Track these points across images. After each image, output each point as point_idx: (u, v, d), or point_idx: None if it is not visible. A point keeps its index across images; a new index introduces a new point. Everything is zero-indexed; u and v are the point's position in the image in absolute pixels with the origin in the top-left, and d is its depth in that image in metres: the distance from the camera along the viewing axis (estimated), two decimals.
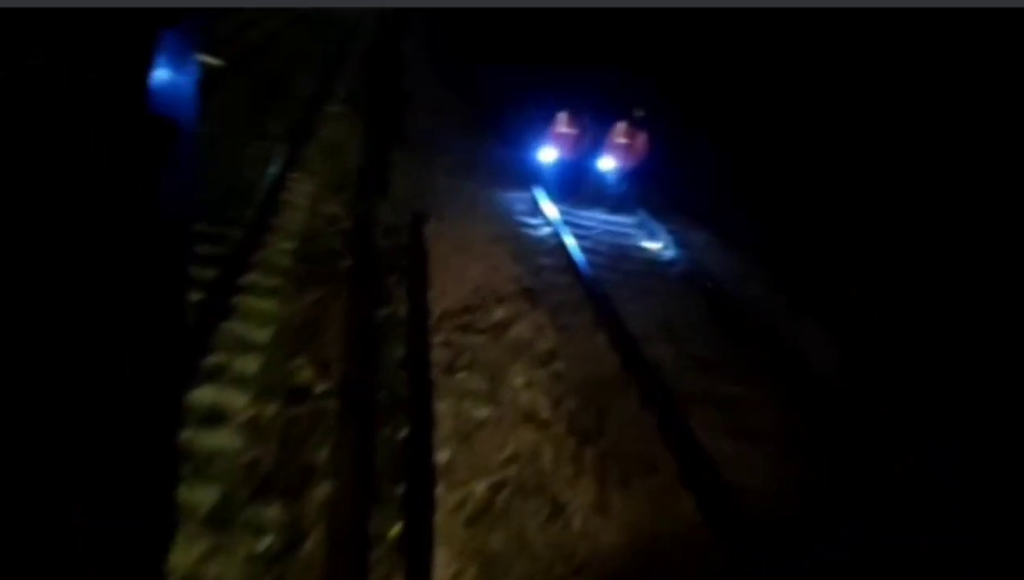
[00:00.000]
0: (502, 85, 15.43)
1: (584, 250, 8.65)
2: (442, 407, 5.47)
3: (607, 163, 10.40)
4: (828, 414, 6.44)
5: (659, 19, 13.81)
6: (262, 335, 5.42)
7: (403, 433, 5.13)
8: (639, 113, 9.82)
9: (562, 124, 10.04)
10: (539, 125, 10.28)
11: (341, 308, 6.25)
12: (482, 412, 5.38)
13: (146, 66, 1.05)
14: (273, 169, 8.73)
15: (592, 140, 10.07)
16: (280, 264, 6.51)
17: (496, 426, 5.21)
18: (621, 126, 10.13)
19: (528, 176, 11.01)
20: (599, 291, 7.47)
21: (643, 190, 10.40)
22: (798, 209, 10.65)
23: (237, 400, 4.74)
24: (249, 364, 5.10)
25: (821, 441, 6.06)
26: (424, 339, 6.40)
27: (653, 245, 9.45)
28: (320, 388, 5.21)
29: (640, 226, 10.02)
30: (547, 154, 10.39)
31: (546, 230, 9.21)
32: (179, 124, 1.15)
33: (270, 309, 5.78)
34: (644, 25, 14.03)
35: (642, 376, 5.87)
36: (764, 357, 7.15)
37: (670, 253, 9.15)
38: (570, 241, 8.60)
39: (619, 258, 8.89)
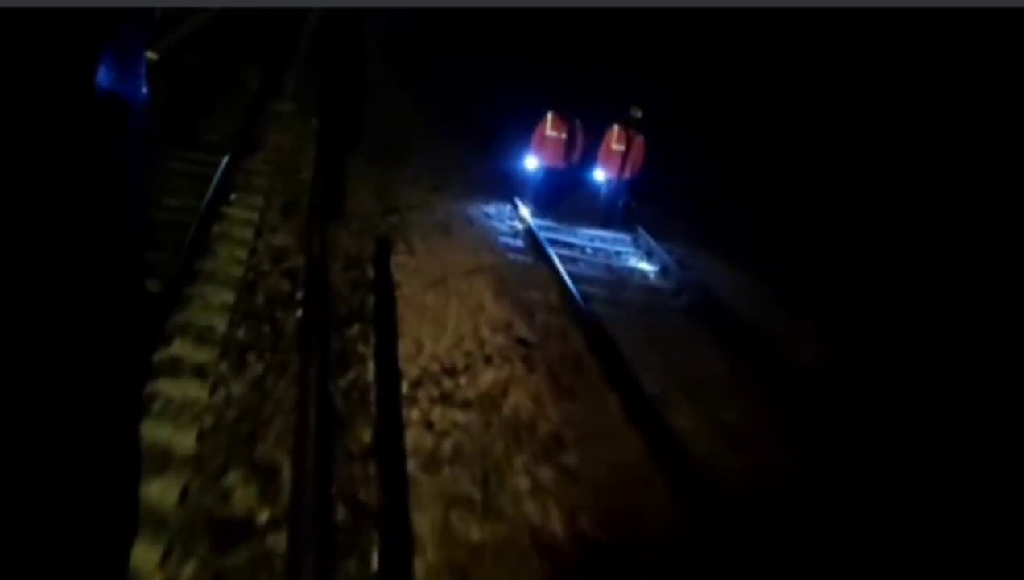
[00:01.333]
0: (478, 81, 14.10)
1: (580, 280, 7.45)
2: (423, 524, 4.24)
3: (601, 174, 9.27)
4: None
5: (659, 10, 12.62)
6: (184, 443, 4.11)
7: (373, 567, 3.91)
8: (637, 114, 8.62)
9: (549, 127, 8.80)
10: (522, 128, 9.02)
11: (290, 385, 4.96)
12: (476, 533, 4.17)
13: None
14: (207, 191, 7.35)
15: (583, 146, 8.85)
16: (210, 328, 5.16)
17: (497, 557, 4.01)
18: (617, 130, 8.94)
19: (510, 187, 9.76)
20: (603, 338, 6.29)
21: (640, 201, 9.23)
22: (811, 222, 9.63)
23: (147, 558, 3.44)
24: (165, 492, 3.79)
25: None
26: (396, 417, 5.16)
27: (655, 271, 8.29)
28: (263, 516, 3.94)
29: (639, 247, 8.83)
30: (531, 162, 9.17)
31: (534, 255, 7.99)
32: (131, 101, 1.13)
33: (195, 399, 4.46)
34: (642, 16, 12.83)
35: (675, 469, 4.70)
36: (795, 417, 6.07)
37: (675, 280, 7.98)
38: (563, 270, 7.39)
39: (619, 288, 7.71)
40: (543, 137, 9.01)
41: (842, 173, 11.50)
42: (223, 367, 4.76)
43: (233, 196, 7.69)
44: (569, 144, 8.89)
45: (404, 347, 5.95)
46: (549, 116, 9.02)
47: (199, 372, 4.61)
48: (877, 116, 11.80)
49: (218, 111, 10.37)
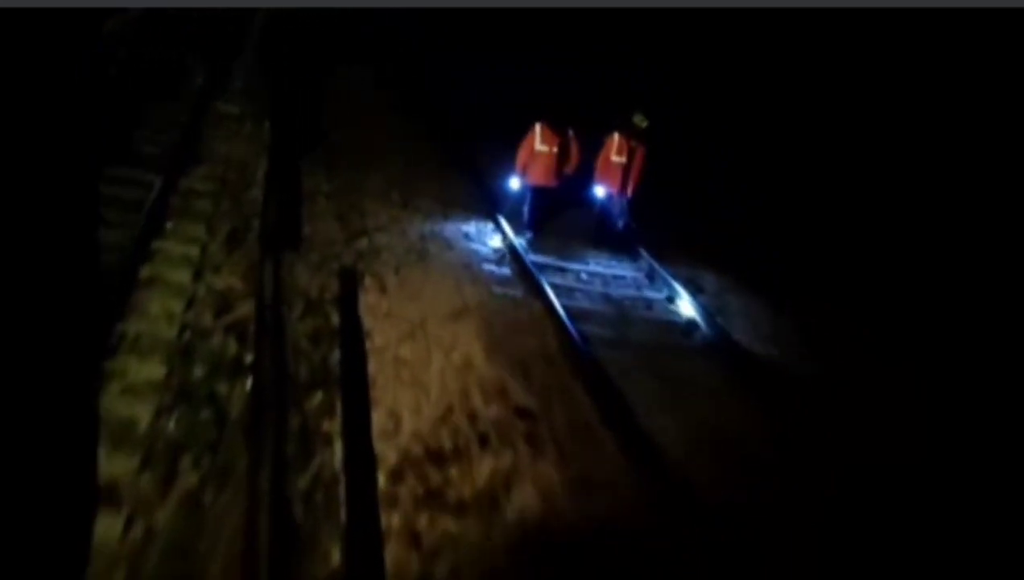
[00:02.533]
0: (456, 81, 12.94)
1: (579, 317, 6.45)
2: None
3: (600, 189, 8.17)
4: None
5: (663, 9, 11.61)
6: None
7: None
8: (641, 121, 7.60)
9: (538, 141, 7.72)
10: (506, 136, 7.92)
11: (235, 497, 3.88)
12: None
13: None
14: (136, 220, 6.16)
15: (578, 158, 7.79)
16: (130, 423, 4.03)
17: None
18: (618, 139, 7.91)
19: (494, 205, 8.69)
20: (616, 398, 5.31)
21: (636, 218, 8.23)
22: (818, 228, 8.77)
23: None
24: None
25: None
26: (372, 529, 4.13)
27: (660, 299, 7.29)
28: None
29: (642, 272, 7.85)
30: (516, 182, 8.01)
31: (524, 287, 6.96)
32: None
33: (106, 536, 3.36)
34: (643, 13, 11.81)
35: None
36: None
37: (686, 311, 7.02)
38: (560, 307, 6.38)
39: (624, 323, 6.72)
40: (532, 153, 7.78)
41: (849, 174, 10.83)
42: (144, 483, 3.65)
43: (169, 224, 6.51)
44: (561, 159, 7.75)
45: (379, 420, 4.89)
46: (537, 128, 7.76)
47: (109, 497, 3.49)
48: (877, 115, 11.23)
49: (155, 115, 9.10)
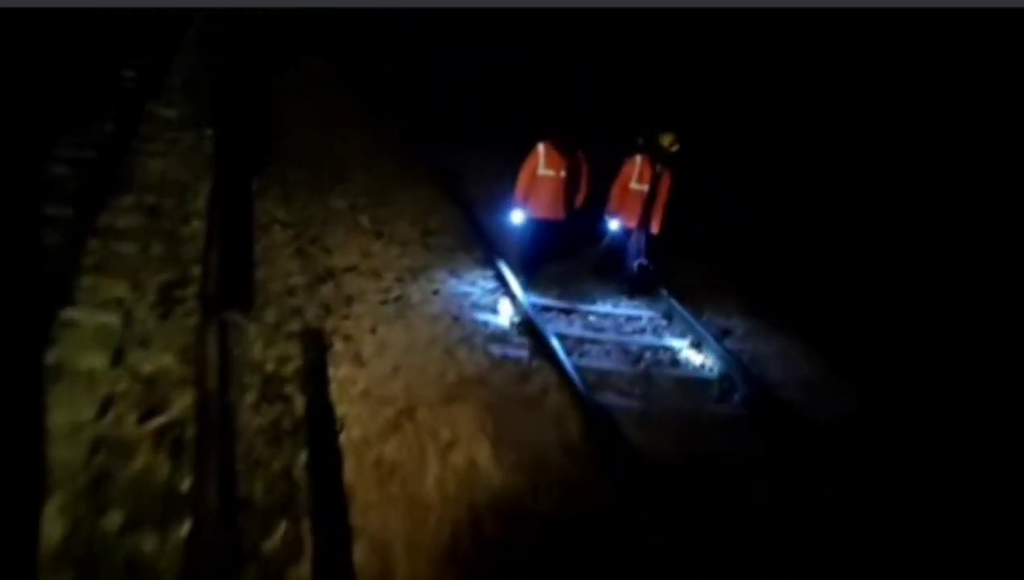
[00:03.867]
0: (444, 83, 11.59)
1: (598, 384, 5.35)
2: None
3: (616, 223, 6.85)
4: None
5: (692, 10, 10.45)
6: None
7: None
8: (672, 145, 6.32)
9: (542, 164, 6.41)
10: (503, 156, 6.65)
11: None
12: None
13: None
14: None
15: (590, 187, 6.57)
16: None
17: None
18: (640, 163, 6.58)
19: (489, 239, 7.45)
20: (665, 509, 4.24)
21: (657, 254, 7.07)
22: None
23: None
24: None
25: None
26: None
27: (687, 348, 6.19)
28: None
29: (659, 310, 6.74)
30: (518, 215, 6.66)
31: (530, 346, 5.78)
32: None
33: None
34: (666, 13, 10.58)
35: None
36: None
37: (716, 365, 5.89)
38: (576, 377, 5.23)
39: (652, 387, 5.60)
40: (534, 178, 6.45)
41: (848, 173, 10.03)
42: None
43: (82, 282, 5.20)
44: (570, 186, 6.46)
45: (363, 559, 3.76)
46: (541, 149, 6.43)
47: None
48: (877, 115, 10.56)
49: (72, 123, 7.67)
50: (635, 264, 6.53)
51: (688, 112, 10.20)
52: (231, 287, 5.59)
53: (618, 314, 6.63)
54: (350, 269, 6.36)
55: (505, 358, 5.50)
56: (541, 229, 6.49)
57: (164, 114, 8.74)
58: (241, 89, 10.04)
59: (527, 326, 5.93)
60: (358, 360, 5.20)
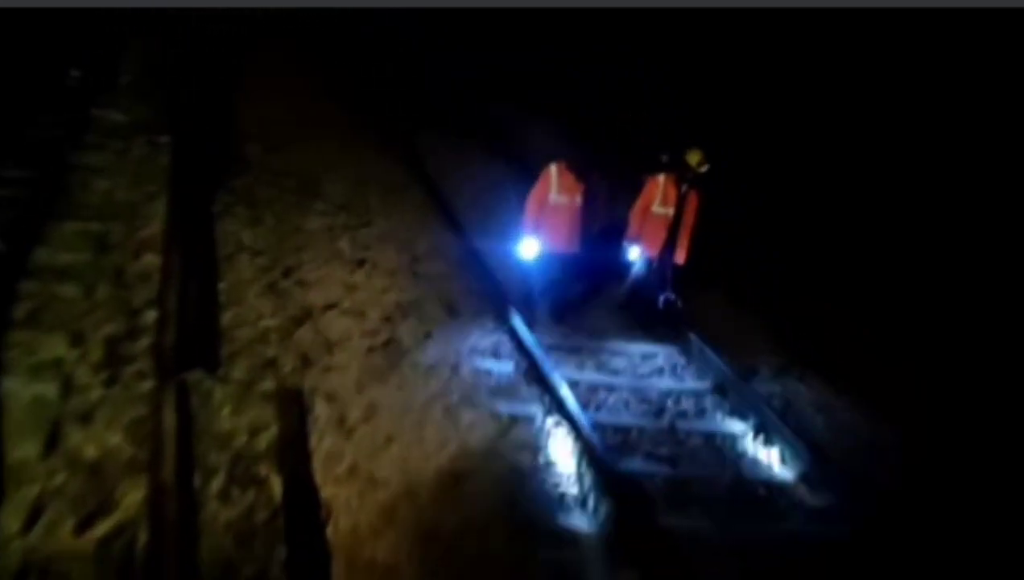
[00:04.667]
0: (440, 88, 10.72)
1: (621, 446, 4.70)
2: None
3: (636, 252, 6.05)
4: None
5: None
6: None
7: None
8: (700, 163, 5.60)
9: (555, 189, 5.63)
10: (510, 180, 5.84)
11: None
12: None
13: None
14: None
15: (607, 211, 5.81)
16: None
17: None
18: (663, 183, 5.83)
19: (486, 264, 6.67)
20: None
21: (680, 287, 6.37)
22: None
23: None
24: None
25: None
26: None
27: (710, 393, 5.47)
28: None
29: (690, 361, 5.94)
30: (529, 247, 5.82)
31: (540, 403, 5.04)
32: None
33: None
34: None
35: None
36: None
37: (748, 413, 5.28)
38: (596, 440, 4.57)
39: (680, 447, 4.89)
40: (544, 203, 5.66)
41: (848, 173, 9.64)
42: None
43: (15, 337, 4.38)
44: (587, 214, 5.70)
45: None
46: (553, 172, 5.65)
47: None
48: (876, 115, 10.26)
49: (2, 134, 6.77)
50: (660, 299, 5.82)
51: (687, 112, 9.64)
52: (192, 337, 4.82)
53: (632, 350, 5.95)
54: (331, 307, 5.59)
55: (514, 418, 4.81)
56: (555, 263, 5.76)
57: (113, 119, 7.83)
58: (202, 88, 9.13)
59: (539, 381, 5.23)
60: (344, 427, 4.47)
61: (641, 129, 6.88)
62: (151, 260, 5.46)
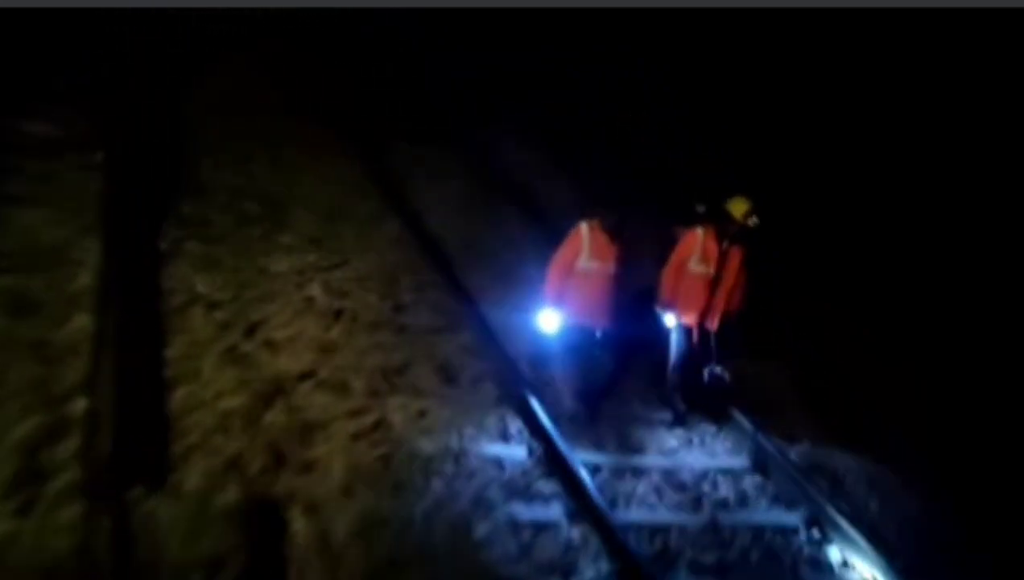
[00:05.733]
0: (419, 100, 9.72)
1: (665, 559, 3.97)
2: None
3: (672, 318, 5.11)
4: None
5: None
6: None
7: None
8: (748, 215, 4.78)
9: (586, 254, 4.71)
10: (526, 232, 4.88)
11: None
12: None
13: None
14: None
15: (639, 273, 4.97)
16: None
17: None
18: (701, 237, 4.95)
19: (490, 335, 5.64)
20: None
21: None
22: None
23: None
24: None
25: None
26: None
27: (803, 525, 4.48)
28: None
29: (747, 455, 5.07)
30: (551, 319, 4.89)
31: (565, 509, 4.27)
32: None
33: None
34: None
35: None
36: None
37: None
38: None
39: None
40: (571, 269, 4.79)
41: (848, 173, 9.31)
42: None
43: None
44: (622, 281, 4.80)
45: None
46: (584, 232, 4.74)
47: None
48: (876, 115, 10.01)
49: None
50: (705, 373, 5.00)
51: (687, 112, 9.09)
52: (133, 433, 3.91)
53: (693, 464, 5.07)
54: (306, 377, 4.70)
55: (536, 526, 4.02)
56: (581, 339, 4.90)
57: (37, 131, 6.76)
58: (147, 94, 8.03)
59: (556, 465, 4.43)
60: (330, 551, 3.63)
61: (642, 130, 6.16)
62: (82, 323, 4.50)
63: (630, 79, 9.21)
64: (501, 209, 8.07)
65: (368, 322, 5.44)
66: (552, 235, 5.97)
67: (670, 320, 5.04)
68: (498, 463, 4.43)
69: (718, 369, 4.93)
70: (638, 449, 4.94)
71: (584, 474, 4.36)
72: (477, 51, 10.46)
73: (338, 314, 5.41)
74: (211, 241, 5.99)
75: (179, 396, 4.30)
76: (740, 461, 5.04)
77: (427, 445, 4.38)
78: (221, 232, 6.20)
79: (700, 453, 5.07)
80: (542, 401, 4.93)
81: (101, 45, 8.70)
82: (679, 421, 5.14)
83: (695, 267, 4.91)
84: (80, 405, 3.93)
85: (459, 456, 4.39)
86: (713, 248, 4.90)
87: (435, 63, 10.88)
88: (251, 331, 5.01)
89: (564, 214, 6.52)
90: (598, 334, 4.80)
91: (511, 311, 5.65)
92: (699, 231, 4.92)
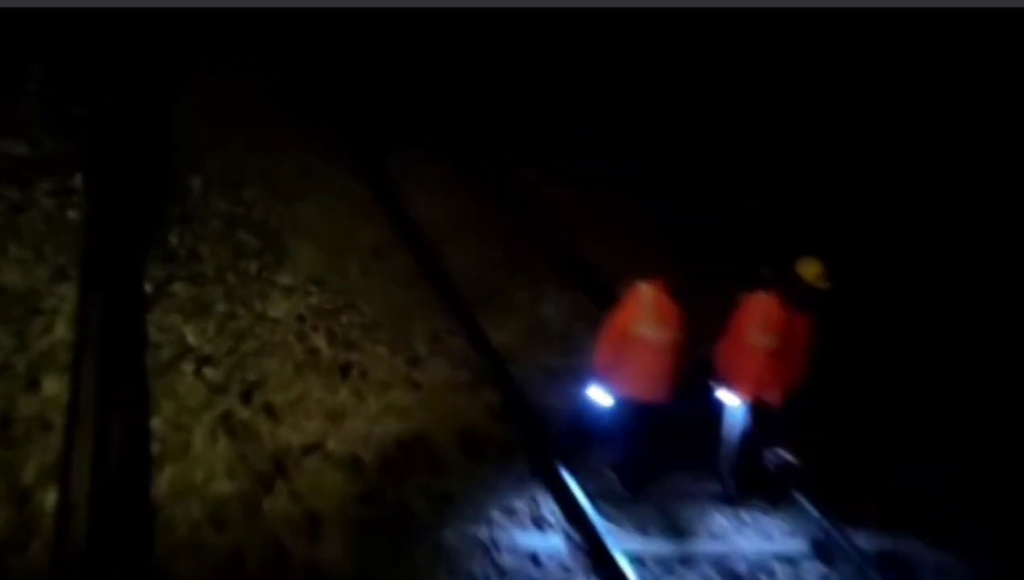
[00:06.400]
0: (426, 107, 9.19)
1: None
2: None
3: (731, 397, 4.50)
4: None
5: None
6: None
7: None
8: (820, 278, 4.15)
9: (649, 318, 4.15)
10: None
11: None
12: None
13: None
14: None
15: (693, 344, 4.40)
16: None
17: None
18: (765, 303, 4.35)
19: (516, 394, 5.04)
20: None
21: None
22: None
23: None
24: None
25: None
26: None
27: None
28: None
29: (805, 537, 4.47)
30: (601, 394, 4.33)
31: None
32: None
33: None
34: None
35: None
36: None
37: None
38: None
39: None
40: (628, 337, 4.21)
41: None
42: None
43: None
44: (683, 351, 4.22)
45: None
46: (646, 294, 4.17)
47: None
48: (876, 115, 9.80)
49: None
50: (768, 456, 4.43)
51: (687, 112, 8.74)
52: (110, 528, 3.35)
53: (747, 551, 4.55)
54: (310, 450, 4.15)
55: None
56: (638, 416, 4.31)
57: (9, 151, 6.15)
58: (131, 105, 7.44)
59: (599, 559, 3.90)
60: None
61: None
62: (53, 389, 3.94)
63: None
64: (523, 236, 7.51)
65: (379, 380, 4.86)
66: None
67: (729, 399, 4.52)
68: (533, 558, 3.90)
69: (783, 453, 4.39)
70: (686, 532, 4.44)
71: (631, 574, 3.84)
72: (497, 57, 9.99)
73: (345, 370, 4.85)
74: (202, 280, 5.41)
75: (165, 479, 3.74)
76: (798, 545, 4.53)
77: (452, 537, 3.85)
78: (213, 268, 5.61)
79: (754, 535, 4.55)
80: (577, 475, 4.43)
81: (80, 50, 8.10)
82: (730, 499, 4.63)
83: (758, 338, 4.33)
84: (48, 500, 3.37)
85: (489, 548, 3.84)
86: (779, 315, 4.34)
87: (456, 66, 10.39)
88: (247, 393, 4.45)
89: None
90: (652, 410, 4.27)
91: (540, 364, 5.12)
92: (763, 297, 4.36)
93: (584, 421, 4.48)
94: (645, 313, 4.13)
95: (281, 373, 4.69)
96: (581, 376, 4.54)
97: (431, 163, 8.57)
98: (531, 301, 6.38)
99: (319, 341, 5.08)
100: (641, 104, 10.49)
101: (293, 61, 10.58)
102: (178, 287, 5.21)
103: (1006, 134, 9.12)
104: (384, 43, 11.36)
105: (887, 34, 10.25)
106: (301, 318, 5.27)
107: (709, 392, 4.48)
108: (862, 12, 10.29)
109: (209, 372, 4.53)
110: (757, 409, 4.42)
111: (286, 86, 9.68)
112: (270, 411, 4.39)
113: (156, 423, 4.06)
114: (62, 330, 4.35)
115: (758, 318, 4.29)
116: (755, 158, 9.73)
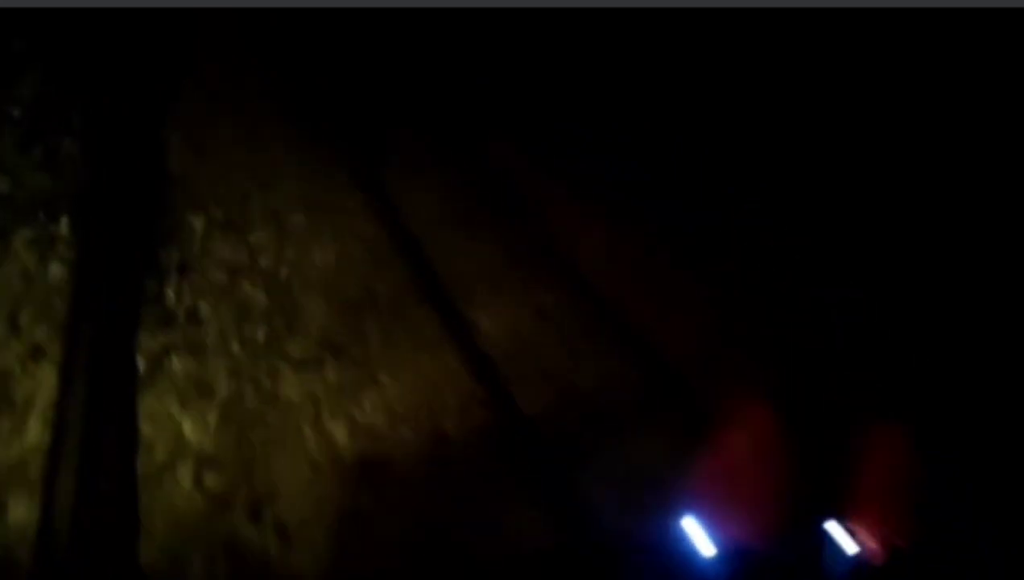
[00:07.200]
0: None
1: None
2: None
3: (847, 539, 3.65)
4: None
5: None
6: None
7: None
8: None
9: (762, 445, 3.47)
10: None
11: None
12: None
13: None
14: None
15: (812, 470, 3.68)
16: None
17: None
18: (890, 437, 3.70)
19: (575, 510, 4.25)
20: None
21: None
22: None
23: None
24: None
25: None
26: None
27: None
28: None
29: None
30: (701, 530, 3.53)
31: None
32: None
33: None
34: None
35: None
36: None
37: None
38: None
39: None
40: (735, 469, 3.57)
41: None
42: None
43: None
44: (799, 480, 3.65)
45: None
46: (762, 421, 3.56)
47: None
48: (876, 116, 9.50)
49: None
50: None
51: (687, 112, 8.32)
52: None
53: None
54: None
55: None
56: (738, 562, 3.64)
57: None
58: (125, 127, 6.76)
59: None
60: None
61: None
62: (20, 516, 3.31)
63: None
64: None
65: (408, 481, 4.25)
66: None
67: (847, 541, 3.75)
68: None
69: None
70: None
71: None
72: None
73: (369, 471, 4.24)
74: (202, 350, 4.77)
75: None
76: None
77: None
78: (215, 333, 4.98)
79: None
80: None
81: (72, 67, 7.41)
82: None
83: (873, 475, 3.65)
84: None
85: None
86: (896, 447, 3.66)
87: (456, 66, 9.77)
88: (254, 507, 3.82)
89: None
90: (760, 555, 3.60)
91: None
92: (889, 427, 3.67)
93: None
94: (761, 446, 3.44)
95: (294, 477, 4.00)
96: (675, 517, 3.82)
97: (444, 183, 7.93)
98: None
99: (337, 429, 4.43)
100: (641, 104, 10.18)
101: (293, 61, 9.97)
102: (175, 363, 4.56)
103: (1006, 134, 9.07)
104: (385, 43, 10.78)
105: (887, 34, 10.12)
106: (315, 400, 4.60)
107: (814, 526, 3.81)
108: (862, 12, 10.16)
109: (210, 479, 3.88)
110: (876, 558, 3.74)
111: (286, 86, 9.05)
112: (280, 529, 3.74)
113: (145, 554, 3.44)
114: (36, 430, 3.72)
115: (883, 455, 3.58)
116: (755, 158, 9.48)
